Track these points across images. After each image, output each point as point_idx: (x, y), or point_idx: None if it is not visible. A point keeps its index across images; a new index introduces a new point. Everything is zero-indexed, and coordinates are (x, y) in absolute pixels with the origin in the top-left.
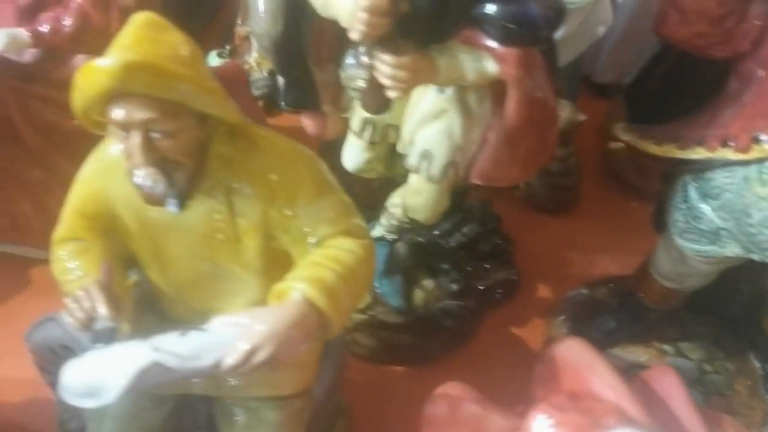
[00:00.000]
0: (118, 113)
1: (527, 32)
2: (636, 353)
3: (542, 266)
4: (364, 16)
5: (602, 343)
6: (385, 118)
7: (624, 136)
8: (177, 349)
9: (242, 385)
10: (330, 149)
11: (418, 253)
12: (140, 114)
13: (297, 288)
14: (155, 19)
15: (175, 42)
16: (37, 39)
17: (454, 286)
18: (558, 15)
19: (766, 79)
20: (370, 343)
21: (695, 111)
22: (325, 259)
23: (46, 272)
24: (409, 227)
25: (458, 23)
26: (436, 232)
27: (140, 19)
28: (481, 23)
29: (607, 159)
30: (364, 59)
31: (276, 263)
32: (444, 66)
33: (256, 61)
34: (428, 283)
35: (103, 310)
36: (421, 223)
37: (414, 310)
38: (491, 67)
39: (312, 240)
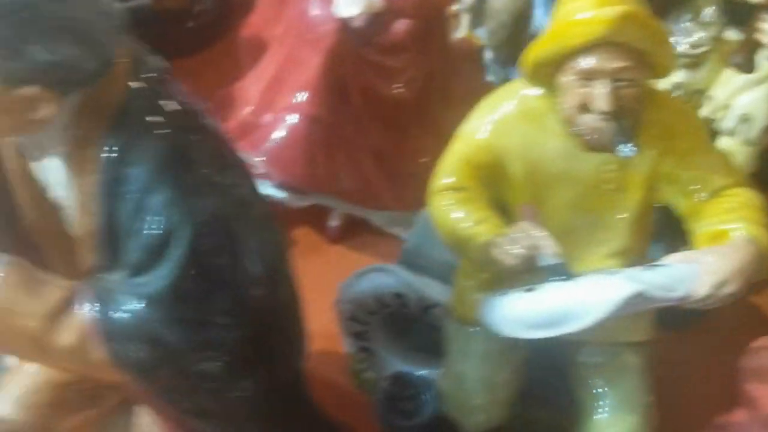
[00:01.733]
0: (590, 61)
1: None
2: None
3: None
4: None
5: None
6: (696, 82)
7: None
8: (654, 279)
9: (612, 329)
10: None
11: None
12: (614, 63)
13: (739, 228)
14: None
15: None
16: (389, 1)
17: None
18: None
19: None
20: None
21: None
22: (741, 206)
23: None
24: None
25: None
26: None
27: None
28: None
29: None
30: None
31: (646, 215)
32: None
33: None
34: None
35: (550, 246)
36: None
37: None
38: None
39: (703, 193)
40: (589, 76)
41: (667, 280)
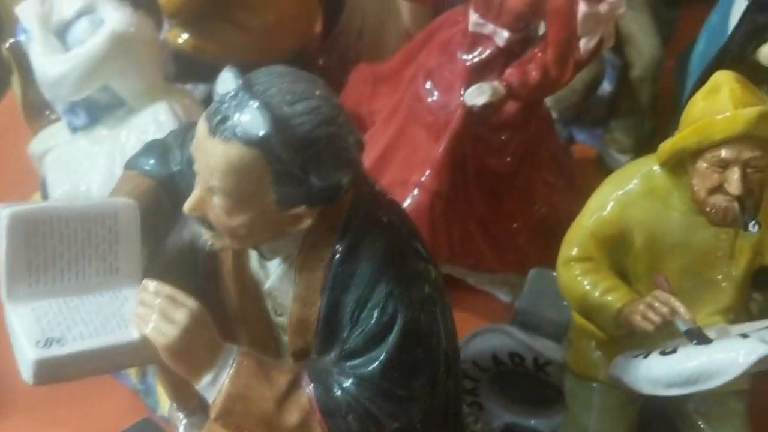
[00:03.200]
0: (727, 152)
1: None
2: None
3: None
4: None
5: None
6: None
7: None
8: None
9: None
10: None
11: None
12: (748, 154)
13: None
14: (735, 74)
15: (760, 94)
16: (509, 89)
17: None
18: None
19: None
20: None
21: None
22: None
23: None
24: None
25: None
26: None
27: (729, 75)
28: None
29: None
30: None
31: (749, 277)
32: None
33: None
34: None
35: (686, 313)
36: None
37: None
38: None
39: None
40: (723, 164)
41: None
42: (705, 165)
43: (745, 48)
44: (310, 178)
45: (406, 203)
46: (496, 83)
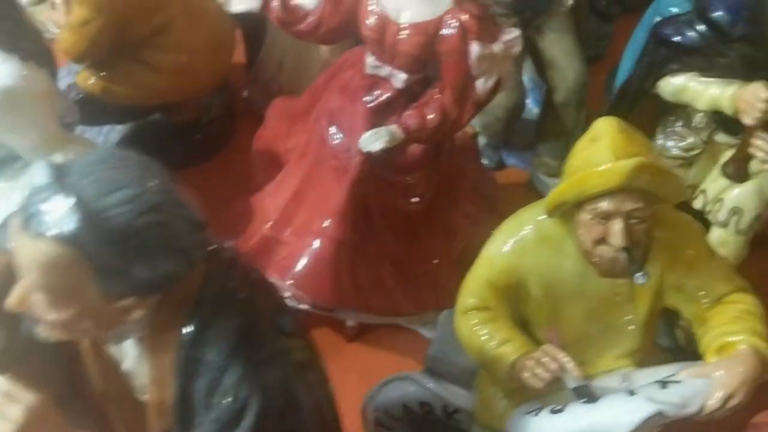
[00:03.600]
0: (607, 205)
1: None
2: None
3: None
4: (763, 105)
5: None
6: (689, 179)
7: None
8: (669, 398)
9: None
10: None
11: None
12: (629, 205)
13: (743, 341)
14: (618, 121)
15: (645, 141)
16: (407, 133)
17: None
18: None
19: None
20: None
21: None
22: (744, 314)
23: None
24: None
25: None
26: None
27: (610, 123)
28: None
29: None
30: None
31: (654, 319)
32: None
33: None
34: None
35: (574, 369)
36: None
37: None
38: None
39: (706, 299)
40: (605, 216)
41: (681, 398)
42: (588, 216)
43: (645, 81)
44: (135, 269)
45: (310, 253)
46: (393, 127)
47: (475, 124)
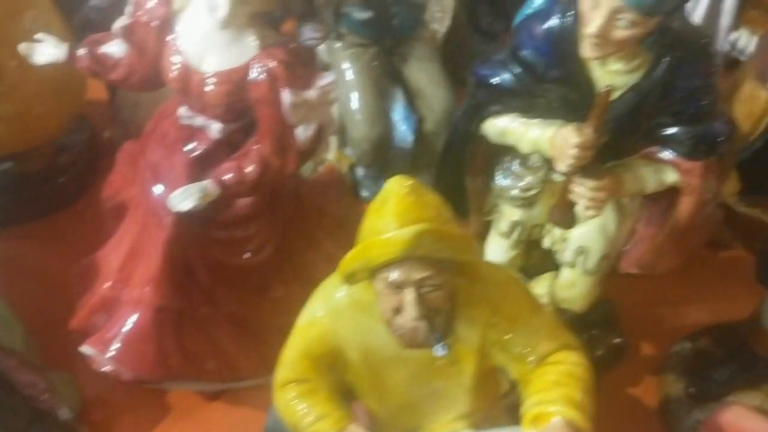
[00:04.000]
0: (395, 275)
1: (712, 148)
2: (749, 397)
3: (641, 324)
4: (574, 152)
5: (718, 393)
6: (533, 218)
7: (743, 209)
8: None
9: None
10: None
11: None
12: (418, 274)
13: (557, 412)
14: (409, 182)
15: (434, 202)
16: (224, 188)
17: None
18: (734, 127)
19: None
20: None
21: None
22: (563, 377)
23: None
24: None
25: (643, 143)
26: None
27: (400, 185)
28: (667, 142)
29: None
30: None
31: (485, 379)
32: (629, 181)
33: (336, 158)
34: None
35: None
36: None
37: None
38: (671, 177)
39: (531, 357)
40: (397, 285)
41: None
42: (381, 286)
43: (469, 124)
44: None
45: (131, 323)
46: (206, 183)
47: (350, 155)
